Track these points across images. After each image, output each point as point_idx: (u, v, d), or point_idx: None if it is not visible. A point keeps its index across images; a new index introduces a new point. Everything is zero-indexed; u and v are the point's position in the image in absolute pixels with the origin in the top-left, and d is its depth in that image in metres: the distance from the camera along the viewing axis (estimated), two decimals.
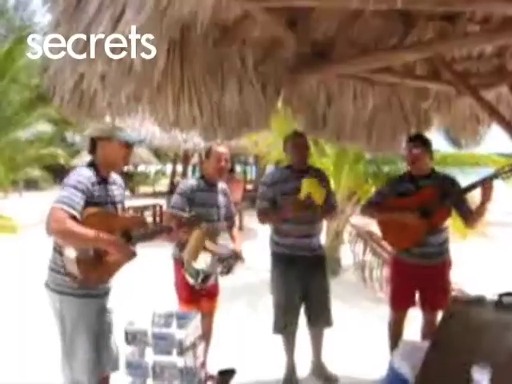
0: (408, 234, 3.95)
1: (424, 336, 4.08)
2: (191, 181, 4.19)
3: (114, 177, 3.24)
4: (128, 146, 3.09)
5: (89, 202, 2.89)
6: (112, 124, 3.12)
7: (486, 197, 3.81)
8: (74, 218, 2.77)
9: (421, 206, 3.88)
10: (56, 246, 2.96)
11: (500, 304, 3.24)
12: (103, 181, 3.06)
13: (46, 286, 3.03)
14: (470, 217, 3.99)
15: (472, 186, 3.87)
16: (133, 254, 3.08)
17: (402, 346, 3.52)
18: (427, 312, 4.11)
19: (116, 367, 3.27)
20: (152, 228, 3.60)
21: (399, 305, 4.11)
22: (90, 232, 2.79)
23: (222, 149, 4.11)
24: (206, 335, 4.04)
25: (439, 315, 4.07)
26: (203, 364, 4.02)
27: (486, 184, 3.80)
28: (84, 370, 3.00)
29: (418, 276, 3.99)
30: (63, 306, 2.97)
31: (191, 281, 3.77)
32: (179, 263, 3.94)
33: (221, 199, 4.17)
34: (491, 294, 3.38)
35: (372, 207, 4.17)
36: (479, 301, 3.37)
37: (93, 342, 3.02)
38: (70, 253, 2.83)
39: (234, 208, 4.41)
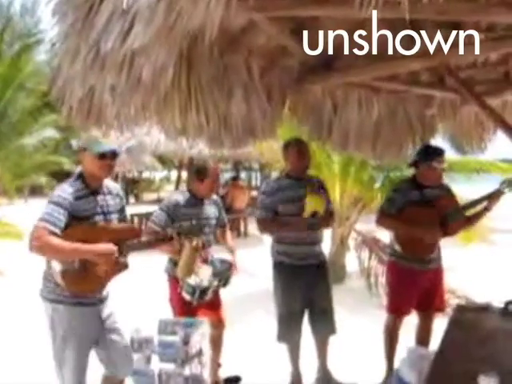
0: (427, 243, 4.04)
1: (419, 341, 4.16)
2: (177, 196, 4.08)
3: (110, 186, 3.21)
4: (103, 157, 2.97)
5: (75, 217, 2.89)
6: (90, 134, 3.10)
7: (489, 208, 4.05)
8: (55, 234, 2.78)
9: (441, 216, 3.99)
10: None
11: (506, 311, 3.25)
12: (92, 192, 3.04)
13: (40, 295, 3.05)
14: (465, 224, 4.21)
15: (482, 199, 4.05)
16: (124, 266, 3.06)
17: (408, 354, 3.51)
18: (425, 316, 4.18)
19: (128, 373, 3.27)
20: (148, 238, 3.55)
21: (399, 310, 4.15)
22: (69, 244, 2.79)
23: (214, 166, 4.10)
24: (215, 346, 4.05)
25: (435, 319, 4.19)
26: (215, 374, 4.05)
27: (493, 197, 4.00)
28: (73, 377, 3.00)
29: (418, 281, 4.05)
30: (54, 314, 2.99)
31: (188, 298, 3.71)
32: (173, 279, 3.91)
33: (211, 211, 4.12)
34: (497, 302, 3.39)
35: (390, 217, 4.10)
36: (485, 308, 3.38)
37: (82, 351, 3.03)
38: (56, 265, 2.86)
39: (233, 215, 4.39)
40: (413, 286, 4.06)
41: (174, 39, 2.20)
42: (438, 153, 4.06)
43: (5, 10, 27.01)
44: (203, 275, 3.70)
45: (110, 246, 2.92)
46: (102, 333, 3.13)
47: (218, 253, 4.09)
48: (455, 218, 4.05)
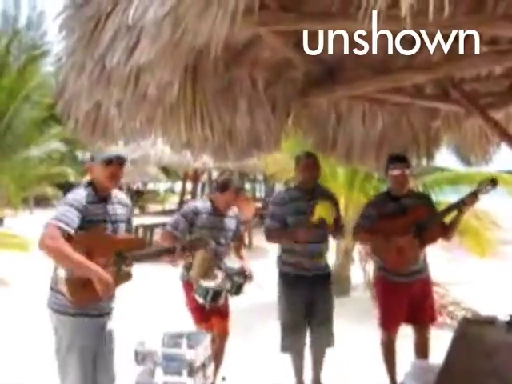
0: (405, 254, 3.98)
1: (418, 353, 4.12)
2: (197, 203, 4.20)
3: (119, 196, 3.24)
4: (109, 163, 3.01)
5: (85, 221, 2.92)
6: (97, 146, 3.16)
7: (463, 211, 4.00)
8: (68, 235, 2.80)
9: (414, 226, 3.94)
10: (55, 265, 2.98)
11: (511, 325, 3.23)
12: (102, 200, 3.08)
13: (47, 305, 3.06)
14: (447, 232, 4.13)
15: (458, 203, 4.00)
16: (127, 276, 3.08)
17: (412, 367, 3.50)
18: (419, 328, 4.15)
19: None
20: (152, 249, 3.56)
21: (391, 325, 4.13)
22: (78, 257, 2.80)
23: (239, 184, 4.19)
24: (217, 356, 4.04)
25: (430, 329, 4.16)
26: None
27: (469, 200, 3.95)
28: None
29: (406, 294, 4.04)
30: (59, 324, 3.00)
31: (201, 300, 3.76)
32: (188, 285, 3.96)
33: (229, 222, 4.18)
34: (503, 315, 3.37)
35: (365, 232, 4.13)
36: (491, 321, 3.36)
37: (86, 362, 3.01)
38: (61, 272, 2.87)
39: (243, 228, 4.44)
40: (400, 299, 4.04)
41: (179, 55, 2.21)
42: (396, 160, 4.08)
43: (11, 22, 27.29)
44: (216, 278, 3.71)
45: (107, 278, 2.88)
46: (100, 347, 3.12)
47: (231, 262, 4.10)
48: (430, 224, 4.00)
